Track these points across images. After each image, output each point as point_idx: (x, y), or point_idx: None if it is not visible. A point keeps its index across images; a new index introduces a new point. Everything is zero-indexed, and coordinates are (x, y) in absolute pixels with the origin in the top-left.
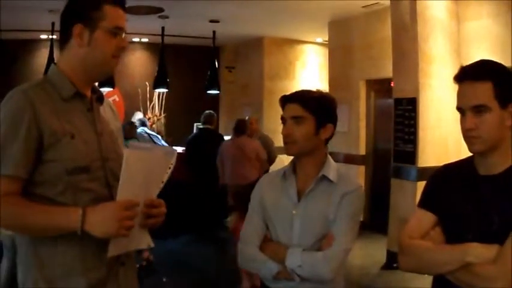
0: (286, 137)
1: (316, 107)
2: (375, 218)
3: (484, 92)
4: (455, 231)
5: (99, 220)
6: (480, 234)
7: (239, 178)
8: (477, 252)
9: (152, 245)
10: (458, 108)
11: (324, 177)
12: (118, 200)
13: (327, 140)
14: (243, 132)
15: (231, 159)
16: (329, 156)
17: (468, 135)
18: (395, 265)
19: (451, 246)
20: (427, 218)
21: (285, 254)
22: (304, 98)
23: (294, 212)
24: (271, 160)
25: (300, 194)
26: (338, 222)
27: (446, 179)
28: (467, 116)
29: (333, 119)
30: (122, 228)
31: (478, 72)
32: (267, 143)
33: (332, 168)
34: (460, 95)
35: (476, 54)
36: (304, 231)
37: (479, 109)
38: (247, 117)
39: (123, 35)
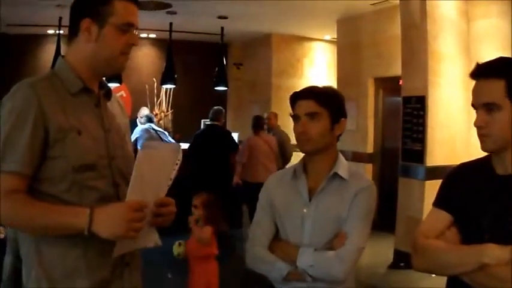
0: (302, 135)
1: (330, 102)
2: (382, 217)
3: (496, 90)
4: (471, 231)
5: (107, 221)
6: (497, 235)
7: (269, 174)
8: (494, 253)
9: (160, 243)
10: (473, 105)
11: (336, 175)
12: (127, 200)
13: (339, 137)
14: (262, 128)
15: (264, 155)
16: (340, 154)
17: (479, 132)
18: (402, 264)
19: (467, 247)
20: (443, 218)
21: (296, 254)
22: (318, 93)
23: (304, 210)
24: (286, 158)
25: (311, 193)
26: (351, 221)
27: (463, 178)
28: (478, 113)
29: (345, 114)
30: (130, 230)
31: (492, 70)
32: (283, 140)
33: (343, 166)
34: (474, 92)
35: (485, 52)
36: (316, 231)
37: (490, 107)
38: (265, 114)
39: (135, 31)
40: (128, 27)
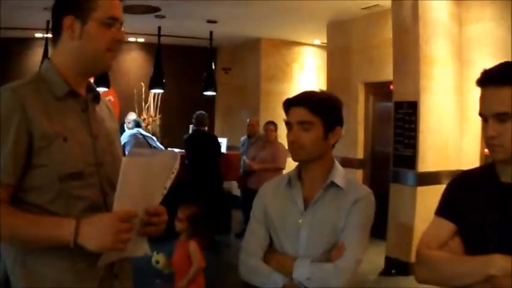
0: (293, 143)
1: (324, 111)
2: (373, 224)
3: (507, 98)
4: (475, 241)
5: (94, 233)
6: (503, 244)
7: None
8: (500, 264)
9: (149, 252)
10: (481, 114)
11: (333, 184)
12: (114, 210)
13: (334, 144)
14: None
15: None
16: (336, 161)
17: (490, 143)
18: (394, 271)
19: (472, 258)
20: (446, 227)
21: (292, 266)
22: (311, 101)
23: (300, 221)
24: None
25: (306, 202)
26: (349, 231)
27: (466, 187)
28: (489, 123)
29: (341, 121)
30: (118, 241)
31: (502, 77)
32: None
33: (340, 174)
34: (483, 101)
35: (478, 57)
36: (312, 241)
37: (502, 117)
38: (248, 119)
39: (120, 26)
40: (112, 21)
